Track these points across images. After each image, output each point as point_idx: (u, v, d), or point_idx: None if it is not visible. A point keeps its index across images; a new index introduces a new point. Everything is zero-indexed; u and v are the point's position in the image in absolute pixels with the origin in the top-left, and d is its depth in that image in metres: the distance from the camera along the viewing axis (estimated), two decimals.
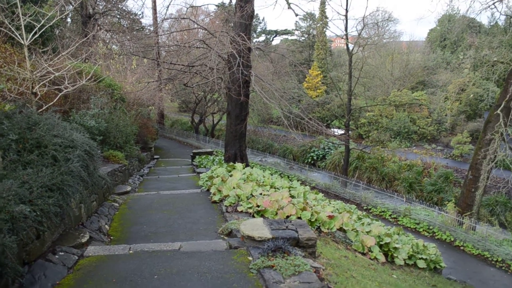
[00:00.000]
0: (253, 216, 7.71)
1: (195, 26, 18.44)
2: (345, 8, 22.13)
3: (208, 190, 10.38)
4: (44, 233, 4.86)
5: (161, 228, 7.07)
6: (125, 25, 31.57)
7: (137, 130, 16.72)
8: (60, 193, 5.19)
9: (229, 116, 16.55)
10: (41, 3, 15.66)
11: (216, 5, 55.41)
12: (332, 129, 41.13)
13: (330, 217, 7.90)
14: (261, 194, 8.61)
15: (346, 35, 22.82)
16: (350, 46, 24.38)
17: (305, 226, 5.76)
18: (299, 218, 7.67)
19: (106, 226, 7.15)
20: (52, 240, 5.26)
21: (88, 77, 11.47)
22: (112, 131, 13.57)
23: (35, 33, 9.94)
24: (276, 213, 7.68)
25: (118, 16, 33.02)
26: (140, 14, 48.44)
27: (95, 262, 4.94)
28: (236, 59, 13.67)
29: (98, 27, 27.07)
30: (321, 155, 33.70)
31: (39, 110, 9.56)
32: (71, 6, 28.80)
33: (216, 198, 9.08)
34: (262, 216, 7.73)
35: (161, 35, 19.14)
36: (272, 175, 12.49)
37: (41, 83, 10.06)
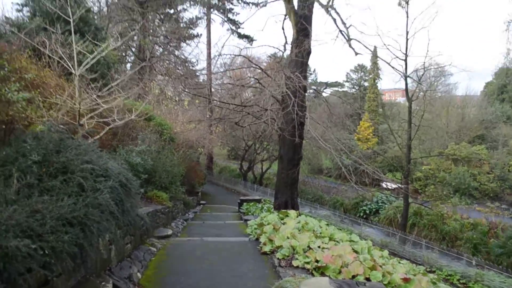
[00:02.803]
0: (312, 273, 6.39)
1: (247, 73, 17.93)
2: (404, 52, 20.99)
3: (257, 239, 9.14)
4: (52, 280, 3.83)
5: (201, 281, 5.90)
6: (180, 72, 32.09)
7: (183, 171, 15.96)
8: (81, 229, 4.22)
9: (281, 160, 15.50)
10: (97, 40, 15.76)
11: (269, 55, 56.16)
12: (385, 183, 39.01)
13: (406, 280, 6.41)
14: (319, 247, 7.30)
15: (406, 79, 21.54)
16: (407, 93, 23.07)
17: None
18: (367, 279, 6.27)
19: (138, 274, 6.07)
20: None
21: (137, 112, 10.95)
22: (158, 170, 12.84)
23: (87, 63, 9.59)
24: (340, 271, 6.32)
25: (173, 62, 33.68)
26: (195, 62, 49.69)
27: None
28: (291, 99, 12.81)
29: (154, 70, 27.51)
30: (374, 209, 31.58)
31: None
32: (130, 51, 29.68)
33: (266, 248, 7.82)
34: (322, 273, 6.38)
35: (214, 74, 18.80)
36: (328, 226, 11.10)
37: (89, 115, 9.59)
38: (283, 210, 10.77)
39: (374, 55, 55.59)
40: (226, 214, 19.00)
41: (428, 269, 17.17)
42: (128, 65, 31.81)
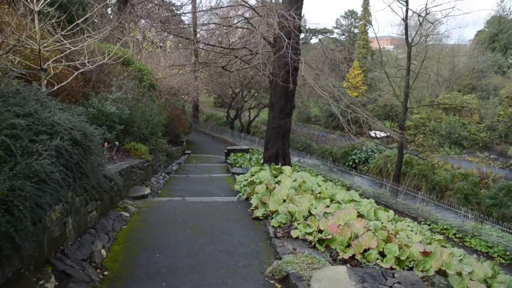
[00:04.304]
0: (315, 247, 5.33)
1: (234, 17, 16.05)
2: None
3: (247, 198, 8.07)
4: None
5: (181, 260, 4.80)
6: (163, 15, 29.80)
7: (166, 121, 14.65)
8: (6, 210, 3.01)
9: (272, 109, 14.23)
10: None
11: None
12: (373, 131, 38.20)
13: (426, 253, 5.42)
14: (322, 212, 6.21)
15: (406, 23, 19.92)
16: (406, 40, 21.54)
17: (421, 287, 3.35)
18: (381, 253, 5.25)
19: (103, 251, 4.92)
20: None
21: (110, 55, 9.49)
22: (136, 120, 11.53)
23: None
24: (348, 245, 5.28)
25: (156, 3, 31.25)
26: (180, 7, 46.73)
27: None
28: (285, 40, 11.35)
29: (134, 11, 25.35)
30: (363, 158, 30.92)
31: (49, 91, 7.63)
32: None
33: (259, 213, 6.73)
34: (327, 247, 5.32)
35: (199, 13, 17.00)
36: (325, 182, 10.04)
37: (54, 58, 8.15)
38: (277, 166, 9.63)
39: (365, 0, 53.31)
40: (213, 166, 17.99)
41: (422, 223, 16.58)
42: (109, 10, 29.42)
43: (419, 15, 17.99)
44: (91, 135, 4.93)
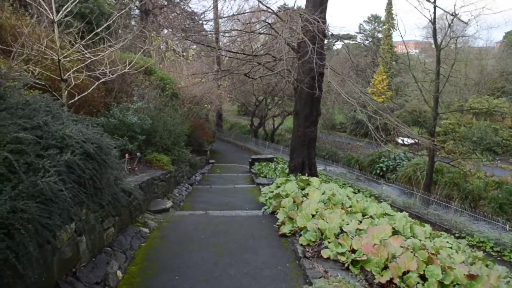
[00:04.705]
0: (348, 269, 4.85)
1: (256, 24, 15.76)
2: None
3: (273, 212, 7.64)
4: None
5: (201, 284, 4.39)
6: (186, 24, 29.90)
7: (189, 130, 14.38)
8: (6, 234, 2.69)
9: (297, 117, 13.79)
10: None
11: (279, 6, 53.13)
12: (401, 138, 37.15)
13: (471, 276, 4.87)
14: (354, 229, 5.73)
15: (434, 26, 19.22)
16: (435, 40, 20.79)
17: None
18: (422, 276, 4.73)
19: (119, 272, 4.57)
20: None
21: (131, 64, 9.29)
22: (158, 130, 11.29)
23: (67, 8, 7.86)
24: (385, 267, 4.78)
25: (177, 12, 31.40)
26: (202, 15, 46.99)
27: None
28: (309, 45, 10.93)
29: (156, 21, 25.45)
30: (391, 166, 29.95)
31: (69, 102, 7.49)
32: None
33: (286, 229, 6.28)
34: (361, 269, 4.84)
35: (220, 19, 16.77)
36: (356, 194, 9.50)
37: (74, 68, 7.98)
38: (304, 177, 9.16)
39: (389, 4, 52.44)
40: (236, 175, 17.62)
41: (457, 235, 15.76)
42: (133, 21, 29.71)
43: (451, 14, 17.22)
44: (106, 147, 4.62)
